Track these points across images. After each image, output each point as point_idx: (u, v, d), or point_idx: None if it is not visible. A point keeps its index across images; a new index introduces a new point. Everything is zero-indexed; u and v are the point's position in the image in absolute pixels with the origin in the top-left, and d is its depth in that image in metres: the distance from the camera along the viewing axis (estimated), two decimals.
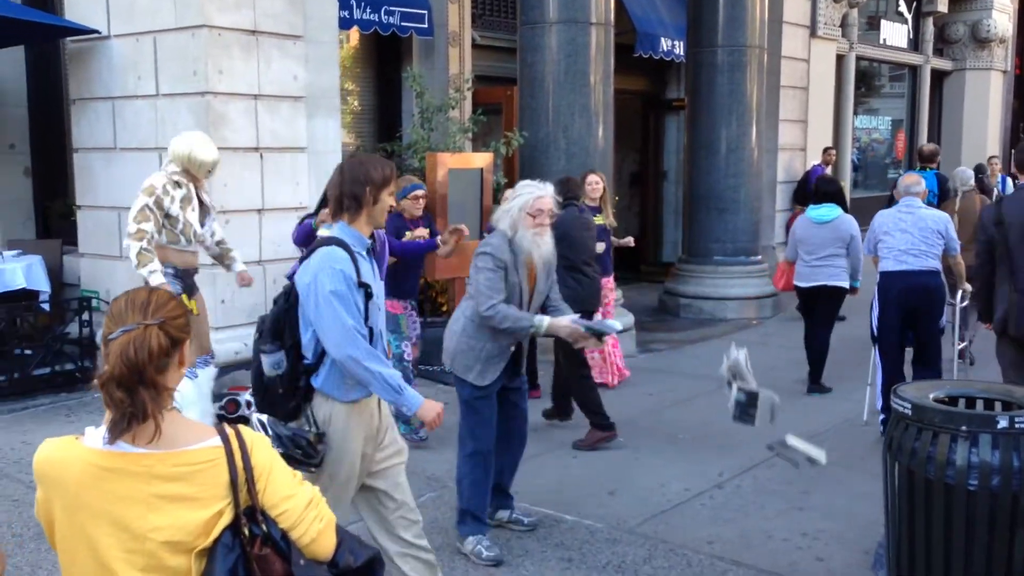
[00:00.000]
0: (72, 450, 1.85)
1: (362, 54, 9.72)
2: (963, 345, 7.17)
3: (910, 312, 6.13)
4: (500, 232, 4.29)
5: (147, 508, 1.81)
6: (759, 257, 10.62)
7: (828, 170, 12.33)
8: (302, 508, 1.94)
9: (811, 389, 7.27)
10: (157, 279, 5.04)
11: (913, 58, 16.61)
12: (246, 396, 6.35)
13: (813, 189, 7.97)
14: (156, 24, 6.74)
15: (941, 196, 9.79)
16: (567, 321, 4.25)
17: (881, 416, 6.07)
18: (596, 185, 6.87)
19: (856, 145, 15.53)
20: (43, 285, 7.27)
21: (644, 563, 4.30)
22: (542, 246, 4.24)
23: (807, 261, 7.13)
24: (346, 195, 3.20)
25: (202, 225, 5.41)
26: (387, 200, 3.25)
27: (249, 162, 6.84)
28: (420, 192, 6.14)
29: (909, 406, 3.35)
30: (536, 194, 4.23)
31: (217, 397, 6.33)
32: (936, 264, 6.13)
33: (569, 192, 6.04)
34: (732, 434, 6.18)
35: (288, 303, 3.21)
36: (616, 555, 4.38)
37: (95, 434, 1.85)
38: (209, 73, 6.51)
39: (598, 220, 6.63)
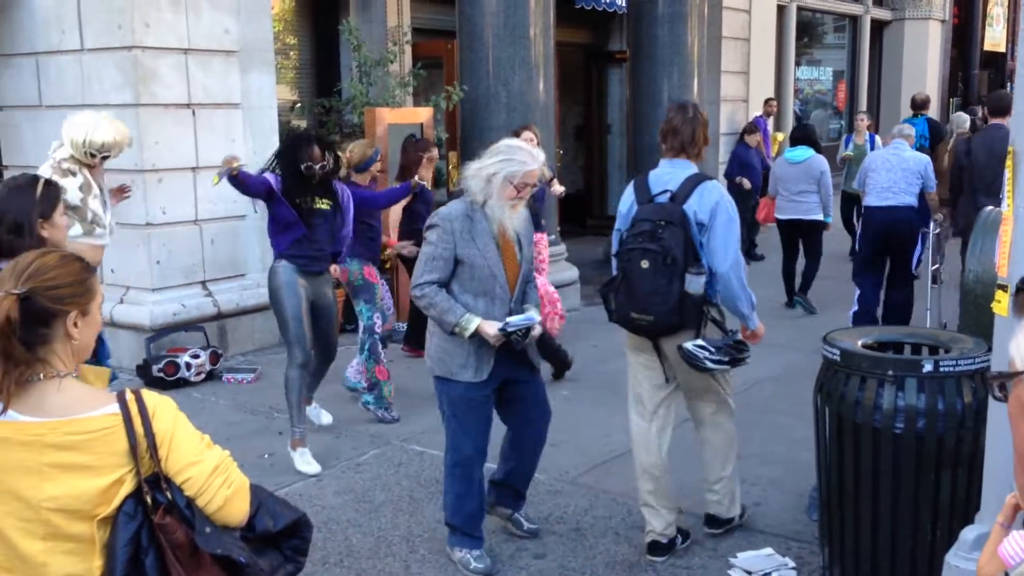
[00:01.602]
0: None
1: (298, 6, 9.49)
2: (936, 267, 7.86)
3: (887, 241, 7.14)
4: (464, 198, 3.74)
5: (41, 478, 1.77)
6: None
7: (770, 121, 12.42)
8: (207, 475, 1.88)
9: (794, 303, 8.35)
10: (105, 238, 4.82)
11: (853, 8, 16.69)
12: (185, 358, 6.28)
13: (790, 134, 9.01)
14: None
15: (934, 140, 10.58)
16: (495, 330, 3.61)
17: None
18: (530, 143, 6.83)
19: (798, 96, 15.62)
20: None
21: (585, 513, 4.36)
22: (515, 217, 3.70)
23: (785, 196, 8.28)
24: (698, 138, 3.80)
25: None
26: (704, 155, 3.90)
27: (181, 119, 6.67)
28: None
29: (838, 352, 3.40)
30: (528, 166, 3.62)
31: (155, 359, 6.25)
32: (912, 201, 7.10)
33: None
34: None
35: (685, 231, 3.63)
36: (558, 506, 4.43)
37: None
38: (136, 26, 6.31)
39: None
